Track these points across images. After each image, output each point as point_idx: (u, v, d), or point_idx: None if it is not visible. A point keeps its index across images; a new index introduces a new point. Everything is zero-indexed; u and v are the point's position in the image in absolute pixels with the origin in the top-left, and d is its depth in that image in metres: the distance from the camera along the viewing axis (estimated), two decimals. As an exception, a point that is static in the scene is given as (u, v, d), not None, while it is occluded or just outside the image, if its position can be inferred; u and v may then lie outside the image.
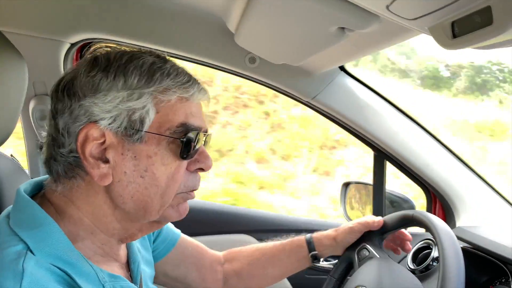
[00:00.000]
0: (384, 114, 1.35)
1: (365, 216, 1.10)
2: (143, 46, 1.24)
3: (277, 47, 1.12)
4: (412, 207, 1.55)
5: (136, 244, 0.83)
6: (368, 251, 1.02)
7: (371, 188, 1.56)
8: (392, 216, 1.05)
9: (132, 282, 0.72)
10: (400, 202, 1.59)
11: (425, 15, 0.62)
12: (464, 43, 0.60)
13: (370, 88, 1.34)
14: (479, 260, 1.11)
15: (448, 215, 1.45)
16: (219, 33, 1.25)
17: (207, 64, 1.36)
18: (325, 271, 1.42)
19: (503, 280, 1.06)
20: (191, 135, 0.66)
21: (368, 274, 0.95)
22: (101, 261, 0.68)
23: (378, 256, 0.99)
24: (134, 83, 0.64)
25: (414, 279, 0.92)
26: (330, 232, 1.08)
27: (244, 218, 1.48)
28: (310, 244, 1.06)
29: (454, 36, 0.61)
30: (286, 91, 1.36)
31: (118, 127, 0.63)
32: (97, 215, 0.67)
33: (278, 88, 1.35)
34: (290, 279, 1.45)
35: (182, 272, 1.01)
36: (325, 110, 1.36)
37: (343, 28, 0.86)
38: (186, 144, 0.66)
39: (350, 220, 1.68)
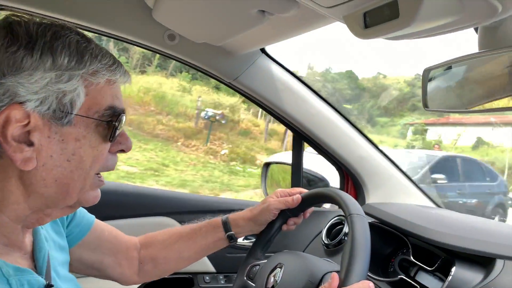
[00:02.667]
0: (302, 97, 1.40)
1: (282, 192, 1.12)
2: (55, 18, 1.13)
3: (198, 25, 1.09)
4: (327, 185, 1.64)
5: (45, 230, 0.78)
6: (257, 265, 1.06)
7: (289, 167, 1.62)
8: (307, 194, 1.10)
9: (37, 272, 0.68)
10: (316, 181, 1.68)
11: (340, 4, 0.64)
12: (375, 34, 0.64)
13: (289, 72, 1.38)
14: (386, 234, 1.21)
15: (359, 192, 1.57)
16: (136, 8, 1.18)
17: (125, 40, 1.28)
18: (245, 249, 1.45)
19: (404, 251, 1.17)
20: (118, 117, 0.67)
21: (273, 264, 0.99)
22: (4, 252, 0.63)
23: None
24: (64, 63, 0.61)
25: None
26: (245, 212, 1.10)
27: (164, 200, 1.46)
28: (226, 225, 1.07)
29: (366, 26, 0.65)
30: (208, 71, 1.34)
31: (47, 110, 0.60)
32: (5, 201, 0.63)
33: (199, 67, 1.33)
34: (211, 258, 1.47)
35: (98, 257, 0.98)
36: (246, 91, 1.37)
37: (263, 11, 0.86)
38: (113, 127, 0.67)
39: None
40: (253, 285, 1.02)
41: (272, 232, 1.10)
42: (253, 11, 0.87)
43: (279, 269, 0.97)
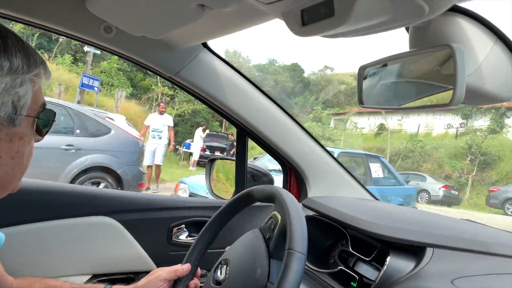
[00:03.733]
0: (245, 93, 1.39)
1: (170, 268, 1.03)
2: None
3: (135, 17, 1.04)
4: (271, 180, 1.65)
5: None
6: None
7: (234, 163, 1.61)
8: (192, 257, 1.05)
9: None
10: (260, 176, 1.69)
11: (278, 1, 0.64)
12: (312, 31, 0.64)
13: (232, 67, 1.37)
14: (326, 226, 1.24)
15: (301, 187, 1.60)
16: None
17: (58, 32, 1.20)
18: (188, 246, 1.43)
19: (344, 243, 1.21)
20: (48, 112, 0.72)
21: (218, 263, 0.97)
22: None
23: None
24: (18, 67, 0.63)
25: None
26: (130, 286, 1.01)
27: (102, 199, 1.39)
28: None
29: (304, 23, 0.65)
30: (147, 65, 1.29)
31: (4, 115, 0.63)
32: None
33: (139, 61, 1.28)
34: (152, 256, 1.43)
35: None
36: (188, 86, 1.34)
37: (202, 5, 0.84)
38: (49, 122, 0.72)
39: (214, 194, 1.73)
40: None
41: None
42: (192, 5, 0.85)
43: (225, 265, 0.96)
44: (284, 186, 1.65)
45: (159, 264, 1.48)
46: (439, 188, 16.00)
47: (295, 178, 1.60)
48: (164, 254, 1.45)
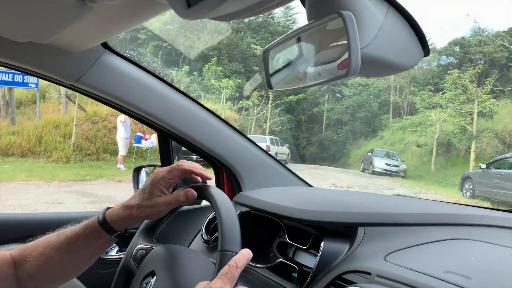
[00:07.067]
0: (159, 93, 1.31)
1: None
2: None
3: (15, 21, 0.92)
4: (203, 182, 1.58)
5: None
6: (144, 249, 0.98)
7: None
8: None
9: None
10: (191, 178, 1.61)
11: (157, -17, 0.58)
12: (199, 12, 0.58)
13: (140, 67, 1.27)
14: (261, 220, 1.20)
15: (235, 184, 1.54)
16: None
17: None
18: (118, 263, 1.33)
19: (281, 234, 1.18)
20: None
21: (147, 270, 0.91)
22: None
23: (154, 247, 0.97)
24: None
25: (190, 251, 0.92)
26: (122, 206, 0.89)
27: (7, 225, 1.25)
28: (107, 229, 0.87)
29: (189, 5, 0.59)
30: (44, 75, 1.16)
31: None
32: None
33: (31, 71, 1.14)
34: (81, 278, 1.30)
35: None
36: (94, 92, 1.23)
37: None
38: None
39: None
40: (136, 268, 0.94)
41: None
42: (70, 0, 0.75)
43: (151, 278, 0.89)
44: (217, 185, 1.59)
45: (89, 285, 1.36)
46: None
47: (227, 176, 1.55)
48: (93, 274, 1.32)
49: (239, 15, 0.60)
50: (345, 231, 0.99)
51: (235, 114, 23.94)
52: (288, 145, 22.02)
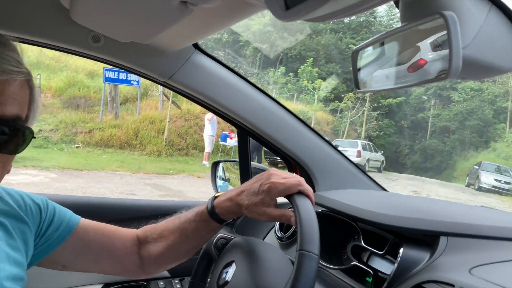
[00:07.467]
0: (242, 92, 1.36)
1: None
2: None
3: (120, 24, 1.02)
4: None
5: None
6: (225, 238, 1.00)
7: (238, 164, 1.59)
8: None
9: None
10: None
11: (259, -14, 0.61)
12: (297, 14, 0.60)
13: (226, 67, 1.34)
14: (336, 222, 1.20)
15: (308, 183, 1.55)
16: (51, 9, 1.08)
17: (46, 45, 1.18)
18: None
19: (356, 237, 1.17)
20: None
21: (227, 259, 0.95)
22: None
23: (233, 237, 0.99)
24: None
25: (269, 245, 0.94)
26: (230, 199, 0.92)
27: (105, 208, 1.37)
28: (216, 219, 0.93)
29: (287, 7, 0.61)
30: (140, 71, 1.27)
31: None
32: None
33: (131, 68, 1.25)
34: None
35: (88, 260, 0.94)
36: (183, 89, 1.32)
37: (185, 2, 0.81)
38: None
39: None
40: (216, 255, 0.97)
41: None
42: (175, 3, 0.82)
43: (231, 267, 0.93)
44: (291, 184, 1.61)
45: (170, 269, 1.46)
46: None
47: (301, 175, 1.56)
48: None
49: (335, 16, 0.62)
50: (425, 239, 0.96)
51: (328, 116, 23.50)
52: (382, 151, 20.80)
